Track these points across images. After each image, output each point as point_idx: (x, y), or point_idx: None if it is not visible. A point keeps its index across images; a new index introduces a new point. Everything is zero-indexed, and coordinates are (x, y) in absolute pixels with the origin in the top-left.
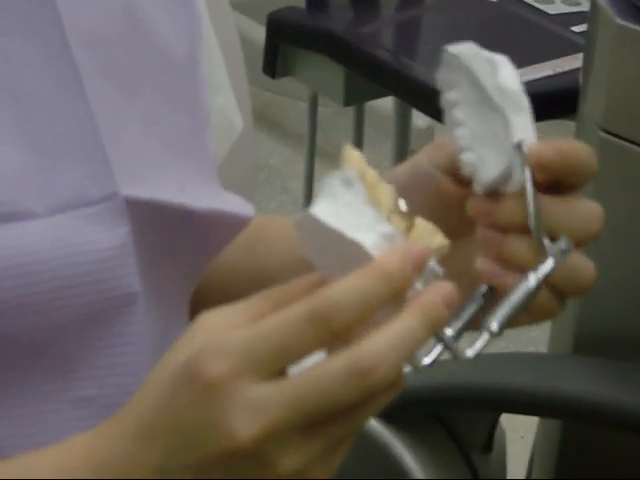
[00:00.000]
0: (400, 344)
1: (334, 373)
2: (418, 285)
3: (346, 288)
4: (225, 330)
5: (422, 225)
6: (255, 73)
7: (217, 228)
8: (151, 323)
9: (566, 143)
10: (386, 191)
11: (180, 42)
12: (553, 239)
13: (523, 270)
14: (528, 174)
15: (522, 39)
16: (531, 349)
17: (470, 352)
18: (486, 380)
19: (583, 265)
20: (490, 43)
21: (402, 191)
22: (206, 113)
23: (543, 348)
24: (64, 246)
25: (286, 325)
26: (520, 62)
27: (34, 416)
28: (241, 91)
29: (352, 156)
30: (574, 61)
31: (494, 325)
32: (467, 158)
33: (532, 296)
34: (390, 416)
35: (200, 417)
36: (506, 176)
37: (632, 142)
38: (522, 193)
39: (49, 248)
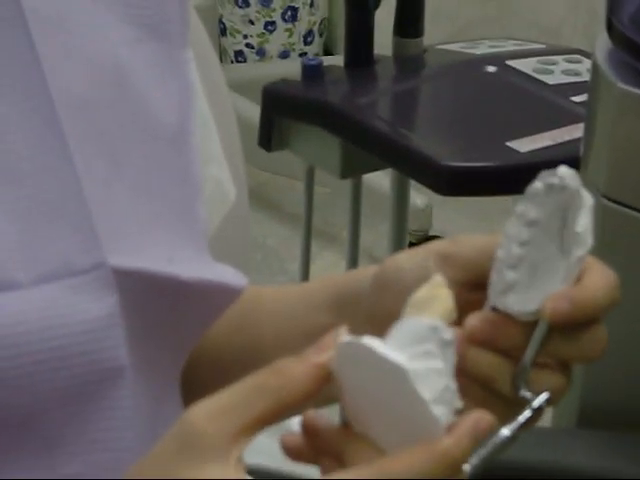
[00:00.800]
0: None
1: None
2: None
3: (413, 473)
4: (226, 449)
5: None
6: (252, 152)
7: (208, 298)
8: (140, 396)
9: (589, 290)
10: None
11: (171, 111)
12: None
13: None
14: (543, 327)
15: (521, 109)
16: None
17: None
18: None
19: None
20: (489, 114)
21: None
22: (197, 182)
23: (547, 422)
24: (49, 317)
25: None
26: (519, 133)
27: None
28: (236, 165)
29: (443, 296)
30: (574, 131)
31: (465, 467)
32: (507, 276)
33: (507, 445)
34: None
35: None
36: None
37: (634, 209)
38: (532, 326)
39: (33, 319)
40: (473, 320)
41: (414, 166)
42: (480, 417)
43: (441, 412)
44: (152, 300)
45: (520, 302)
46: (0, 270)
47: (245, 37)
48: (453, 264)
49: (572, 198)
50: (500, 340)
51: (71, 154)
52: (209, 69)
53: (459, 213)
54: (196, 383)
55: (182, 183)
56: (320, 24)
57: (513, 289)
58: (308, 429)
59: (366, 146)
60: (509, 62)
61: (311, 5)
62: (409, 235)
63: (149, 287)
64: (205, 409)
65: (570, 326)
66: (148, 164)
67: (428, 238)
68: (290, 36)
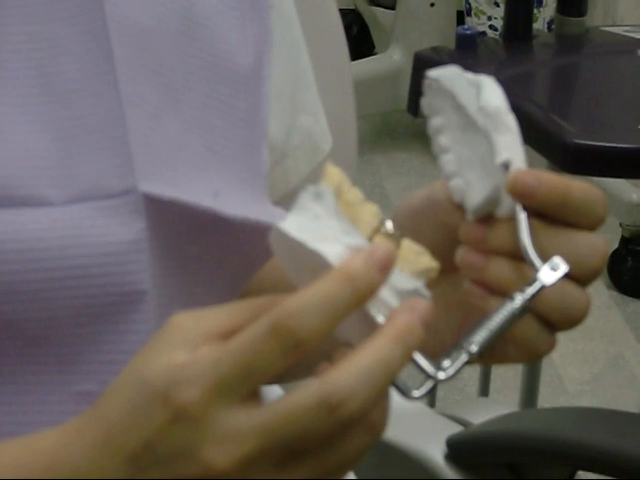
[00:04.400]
0: (374, 376)
1: (304, 407)
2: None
3: (307, 294)
4: (196, 343)
5: (408, 245)
6: None
7: (255, 238)
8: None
9: (559, 178)
10: (370, 211)
11: (246, 54)
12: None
13: (502, 293)
14: (521, 212)
15: None
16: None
17: (442, 375)
18: (563, 434)
19: (576, 294)
20: (628, 96)
21: (414, 216)
22: (264, 127)
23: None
24: (71, 236)
25: (249, 342)
26: None
27: (34, 406)
28: (348, 120)
29: (331, 172)
30: None
31: (474, 347)
32: (455, 185)
33: (517, 318)
34: (462, 461)
35: (174, 444)
36: (494, 199)
37: None
38: (513, 217)
39: (55, 237)
40: (462, 229)
41: (543, 141)
42: (376, 245)
43: (329, 249)
44: (189, 232)
45: (477, 196)
46: (34, 186)
47: (489, 19)
48: None
49: (460, 87)
50: (492, 238)
51: (118, 81)
52: (326, 26)
53: None
54: None
55: (247, 125)
56: None
57: (468, 192)
58: None
59: None
60: None
61: None
62: (622, 229)
63: (185, 218)
64: (189, 312)
65: (548, 213)
66: (210, 102)
67: None
68: (534, 21)
